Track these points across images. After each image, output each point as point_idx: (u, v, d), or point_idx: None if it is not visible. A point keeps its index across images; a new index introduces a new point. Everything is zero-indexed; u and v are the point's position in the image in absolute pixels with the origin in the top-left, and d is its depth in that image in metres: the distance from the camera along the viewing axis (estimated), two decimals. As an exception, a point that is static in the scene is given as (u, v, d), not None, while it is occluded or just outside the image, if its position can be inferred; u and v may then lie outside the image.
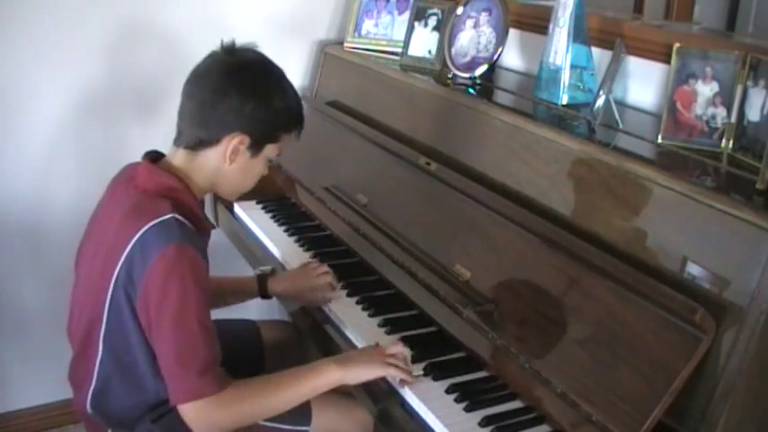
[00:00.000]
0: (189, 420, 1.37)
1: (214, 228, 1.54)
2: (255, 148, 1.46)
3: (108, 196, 1.53)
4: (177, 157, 1.48)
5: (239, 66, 1.44)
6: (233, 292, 1.84)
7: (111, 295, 1.39)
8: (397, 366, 1.43)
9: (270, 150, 1.49)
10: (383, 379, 1.47)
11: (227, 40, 1.49)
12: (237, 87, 1.41)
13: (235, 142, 1.43)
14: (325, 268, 1.78)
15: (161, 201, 1.39)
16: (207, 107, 1.42)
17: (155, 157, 1.51)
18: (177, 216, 1.37)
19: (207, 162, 1.46)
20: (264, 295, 1.82)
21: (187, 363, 1.34)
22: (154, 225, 1.35)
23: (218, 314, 1.69)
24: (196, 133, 1.44)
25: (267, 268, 1.87)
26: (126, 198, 1.43)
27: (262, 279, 1.82)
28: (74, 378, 1.55)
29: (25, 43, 2.10)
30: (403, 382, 1.43)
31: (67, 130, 2.23)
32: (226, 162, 1.45)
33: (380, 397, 1.46)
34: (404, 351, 1.49)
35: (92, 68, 2.20)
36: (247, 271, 2.22)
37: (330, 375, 1.44)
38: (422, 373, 1.47)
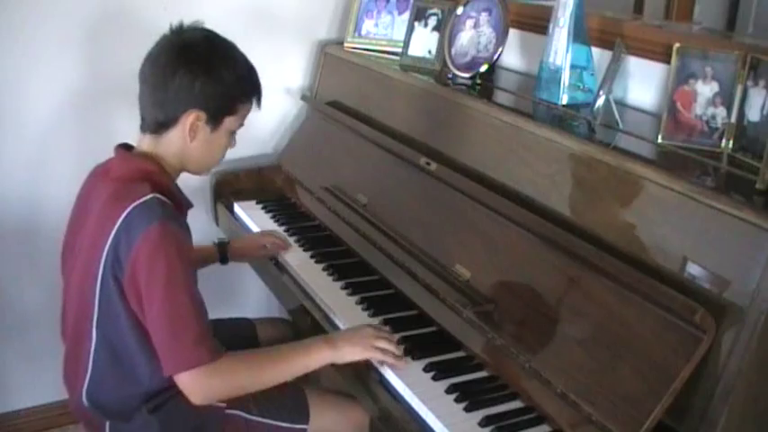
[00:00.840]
0: (186, 389, 1.39)
1: (191, 206, 1.57)
2: (214, 122, 1.49)
3: (84, 193, 1.55)
4: (144, 144, 1.51)
5: (185, 44, 1.46)
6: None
7: (101, 279, 1.41)
8: (384, 351, 1.47)
9: (230, 123, 1.52)
10: (382, 378, 1.47)
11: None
12: (185, 65, 1.43)
13: (191, 119, 1.46)
14: (274, 239, 1.96)
15: (140, 183, 1.42)
16: (159, 89, 1.45)
17: (126, 148, 1.54)
18: (158, 196, 1.41)
19: (171, 143, 1.49)
20: (224, 261, 1.95)
21: (181, 334, 1.37)
22: (137, 206, 1.38)
23: (214, 313, 1.69)
24: (155, 116, 1.48)
25: (224, 238, 2.01)
26: (103, 189, 1.47)
27: (221, 247, 1.94)
28: (68, 373, 1.56)
29: (10, 40, 2.09)
30: (389, 364, 1.47)
31: (61, 129, 2.22)
32: (187, 140, 1.48)
33: (380, 396, 1.47)
34: (391, 339, 1.52)
35: (80, 64, 2.19)
36: (248, 271, 2.23)
37: (321, 354, 1.47)
38: (408, 357, 1.50)
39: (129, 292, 1.39)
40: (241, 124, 1.55)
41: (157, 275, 1.35)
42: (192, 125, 1.46)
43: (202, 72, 1.44)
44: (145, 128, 1.50)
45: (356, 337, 1.50)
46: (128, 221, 1.38)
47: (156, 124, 1.48)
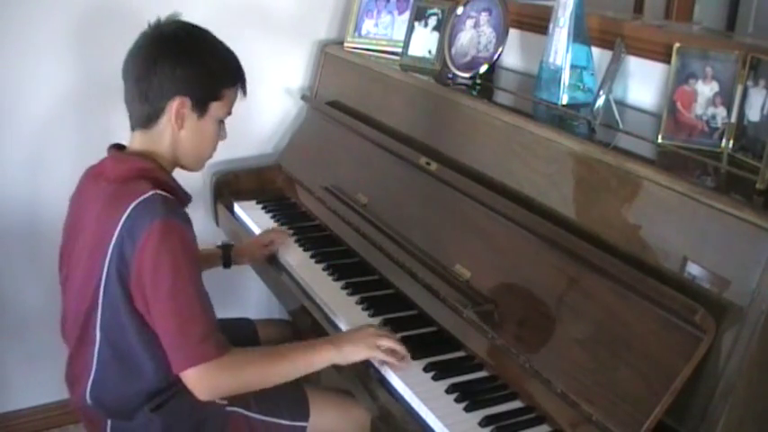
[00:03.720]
0: (192, 385, 1.40)
1: (191, 200, 1.56)
2: (200, 108, 1.49)
3: (78, 197, 1.56)
4: (136, 141, 1.51)
5: (163, 35, 1.48)
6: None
7: (105, 279, 1.41)
8: (387, 351, 1.47)
9: (216, 109, 1.52)
10: (382, 377, 1.47)
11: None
12: (165, 54, 1.45)
13: (176, 105, 1.46)
14: (276, 234, 1.98)
15: (139, 182, 1.42)
16: (142, 81, 1.45)
17: (118, 148, 1.54)
18: (159, 192, 1.41)
19: (161, 135, 1.49)
20: (227, 264, 1.95)
21: (188, 331, 1.37)
22: (138, 203, 1.38)
23: (216, 313, 1.69)
24: (141, 109, 1.48)
25: (228, 241, 2.00)
26: (100, 191, 1.46)
27: (225, 250, 1.95)
28: (71, 373, 1.55)
29: (8, 40, 2.09)
30: (392, 365, 1.47)
31: (62, 128, 2.22)
32: (175, 128, 1.48)
33: (380, 396, 1.47)
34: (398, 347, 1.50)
35: (80, 63, 2.19)
36: (249, 271, 2.22)
37: (326, 354, 1.47)
38: (411, 362, 1.49)
39: (136, 292, 1.39)
40: (228, 112, 1.55)
41: (163, 272, 1.36)
42: (178, 112, 1.46)
43: (182, 58, 1.45)
44: (134, 124, 1.51)
45: (359, 338, 1.50)
46: (131, 220, 1.38)
47: (144, 118, 1.48)
